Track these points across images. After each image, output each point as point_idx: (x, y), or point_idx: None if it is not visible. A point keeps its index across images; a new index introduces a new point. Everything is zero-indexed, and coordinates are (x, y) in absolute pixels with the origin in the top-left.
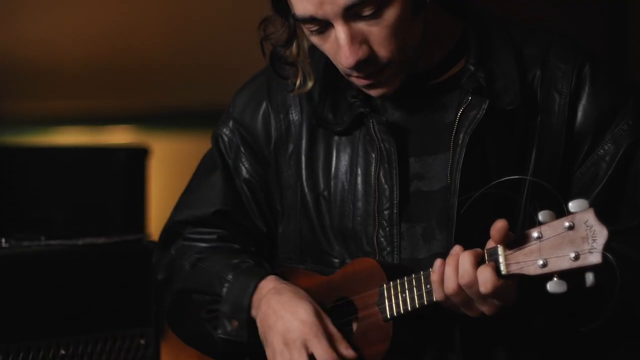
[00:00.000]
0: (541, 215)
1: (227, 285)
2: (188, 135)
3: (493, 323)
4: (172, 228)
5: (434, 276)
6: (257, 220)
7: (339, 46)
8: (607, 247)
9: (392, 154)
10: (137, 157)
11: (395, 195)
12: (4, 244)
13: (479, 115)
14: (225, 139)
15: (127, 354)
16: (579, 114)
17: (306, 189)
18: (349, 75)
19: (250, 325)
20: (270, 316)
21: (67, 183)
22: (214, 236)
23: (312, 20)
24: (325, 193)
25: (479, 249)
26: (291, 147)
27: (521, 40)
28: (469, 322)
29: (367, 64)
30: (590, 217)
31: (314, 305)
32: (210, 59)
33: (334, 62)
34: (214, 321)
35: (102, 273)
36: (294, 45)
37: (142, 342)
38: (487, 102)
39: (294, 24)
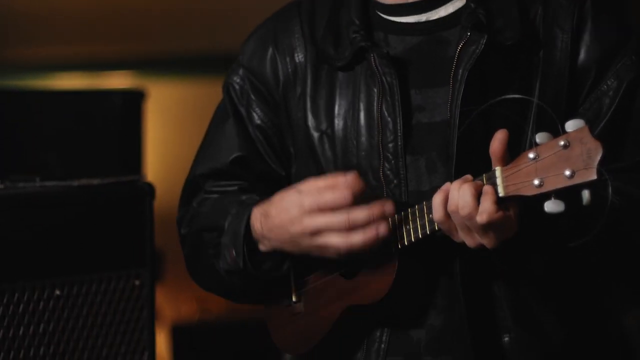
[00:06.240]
0: (538, 137)
1: (229, 218)
2: (186, 81)
3: (492, 256)
4: (194, 182)
5: (438, 196)
6: (275, 165)
7: None
8: (601, 163)
9: (394, 86)
10: (133, 100)
11: (399, 128)
12: None
13: (477, 50)
14: (237, 87)
15: (121, 294)
16: (582, 50)
17: (310, 129)
18: None
19: (251, 253)
20: (281, 235)
21: (63, 126)
22: (235, 188)
23: None
24: (329, 131)
25: (479, 182)
26: (299, 89)
27: None
28: (470, 255)
29: None
30: (585, 134)
31: (291, 188)
32: (209, 5)
33: None
34: (219, 255)
35: (97, 214)
36: None
37: (137, 283)
38: (486, 37)
39: None
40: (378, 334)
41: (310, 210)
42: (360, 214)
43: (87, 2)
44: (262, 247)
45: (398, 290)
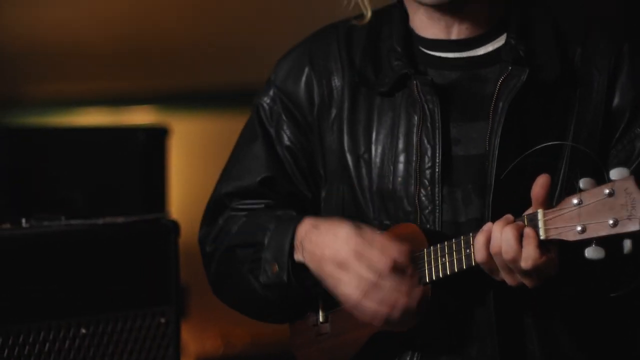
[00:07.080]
0: (582, 183)
1: (268, 233)
2: (209, 116)
3: (526, 289)
4: (219, 201)
5: (480, 237)
6: (301, 186)
7: None
8: None
9: (435, 114)
10: (156, 136)
11: (437, 155)
12: (24, 224)
13: (518, 84)
14: (267, 107)
15: (147, 332)
16: (617, 92)
17: (347, 152)
18: None
19: (294, 269)
20: (315, 250)
21: (87, 163)
22: (262, 206)
23: None
24: (366, 156)
25: (520, 223)
26: (334, 112)
27: (562, 18)
28: (503, 286)
29: None
30: (630, 184)
31: (352, 223)
32: (232, 41)
33: None
34: (256, 271)
35: (121, 252)
36: None
37: (163, 320)
38: (527, 71)
39: None
40: (409, 357)
41: (353, 250)
42: (387, 285)
43: (109, 38)
44: (296, 256)
45: (430, 320)
